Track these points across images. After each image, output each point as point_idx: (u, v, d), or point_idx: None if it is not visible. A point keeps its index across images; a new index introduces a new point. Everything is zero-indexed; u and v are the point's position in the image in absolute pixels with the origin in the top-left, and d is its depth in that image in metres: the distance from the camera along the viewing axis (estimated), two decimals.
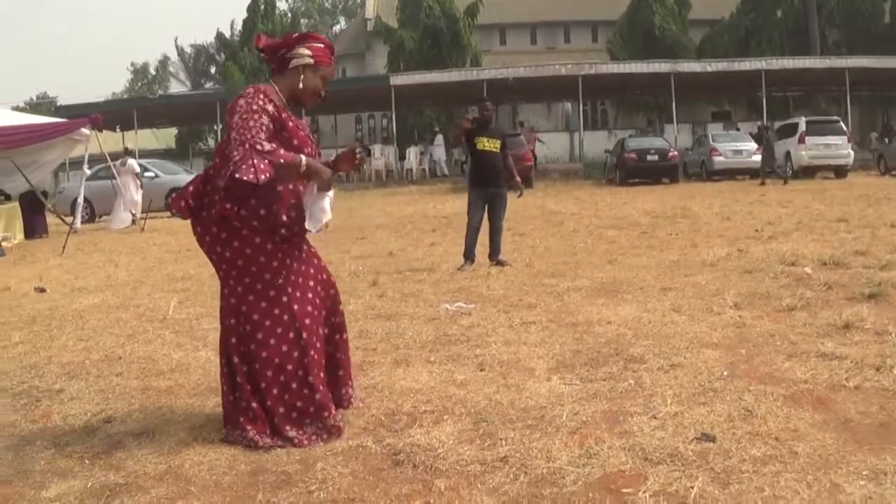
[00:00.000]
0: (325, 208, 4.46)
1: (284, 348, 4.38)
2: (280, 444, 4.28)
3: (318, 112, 47.77)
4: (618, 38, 52.96)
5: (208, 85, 72.75)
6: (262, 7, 56.53)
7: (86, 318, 8.51)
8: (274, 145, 4.20)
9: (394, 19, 51.52)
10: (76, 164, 27.15)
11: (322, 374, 4.54)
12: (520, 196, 11.42)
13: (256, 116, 4.18)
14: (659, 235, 13.63)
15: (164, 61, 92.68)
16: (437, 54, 48.52)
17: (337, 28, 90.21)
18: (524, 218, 17.52)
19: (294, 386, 4.39)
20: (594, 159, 38.68)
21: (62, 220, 21.86)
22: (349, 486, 3.73)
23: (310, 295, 4.54)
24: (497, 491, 3.59)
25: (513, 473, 3.75)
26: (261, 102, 4.23)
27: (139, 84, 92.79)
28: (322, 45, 4.55)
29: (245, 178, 4.03)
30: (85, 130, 20.60)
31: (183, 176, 26.06)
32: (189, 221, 4.48)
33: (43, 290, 10.68)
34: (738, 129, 37.46)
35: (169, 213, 23.43)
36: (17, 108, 40.08)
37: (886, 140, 33.40)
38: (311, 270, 4.62)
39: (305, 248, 4.63)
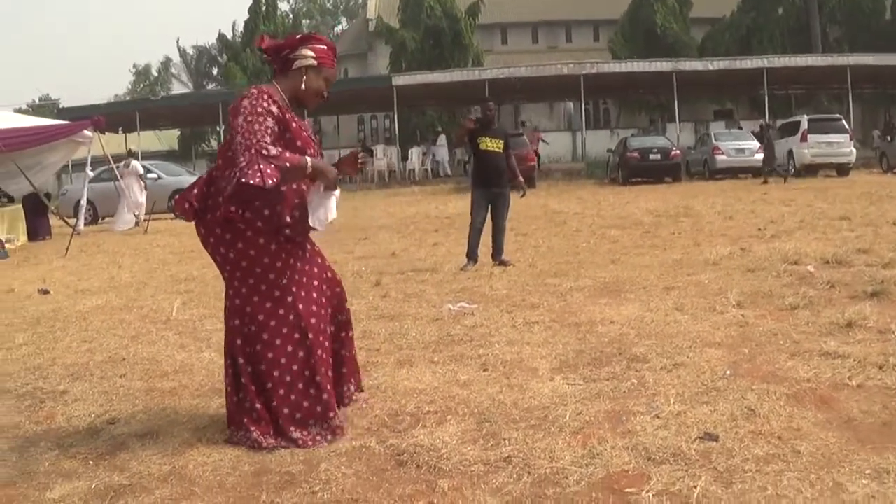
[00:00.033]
0: (332, 207, 4.48)
1: (290, 348, 4.39)
2: (284, 444, 4.29)
3: (321, 113, 47.77)
4: (619, 37, 53.01)
5: (210, 86, 72.73)
6: (264, 8, 56.64)
7: (89, 320, 8.52)
8: (280, 149, 4.20)
9: (395, 20, 51.55)
10: (79, 166, 27.17)
11: (330, 374, 4.56)
12: (523, 196, 11.41)
13: (261, 119, 4.18)
14: (662, 234, 13.62)
15: (166, 63, 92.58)
16: (438, 54, 48.55)
17: (338, 29, 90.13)
18: (527, 218, 17.53)
19: (300, 386, 4.40)
20: (597, 159, 38.71)
21: (65, 221, 21.90)
22: (353, 487, 3.73)
23: (315, 294, 4.55)
24: (500, 491, 3.60)
25: (516, 473, 3.76)
26: (265, 104, 4.23)
27: (141, 86, 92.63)
28: (325, 47, 4.55)
29: (252, 181, 4.04)
30: (87, 132, 20.65)
31: (186, 177, 26.08)
32: (193, 223, 4.49)
33: (46, 292, 10.70)
34: (740, 128, 37.42)
35: (172, 215, 23.47)
36: (19, 111, 40.25)
37: (888, 138, 33.31)
38: (316, 270, 4.63)
39: (309, 247, 4.64)
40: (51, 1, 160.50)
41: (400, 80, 40.85)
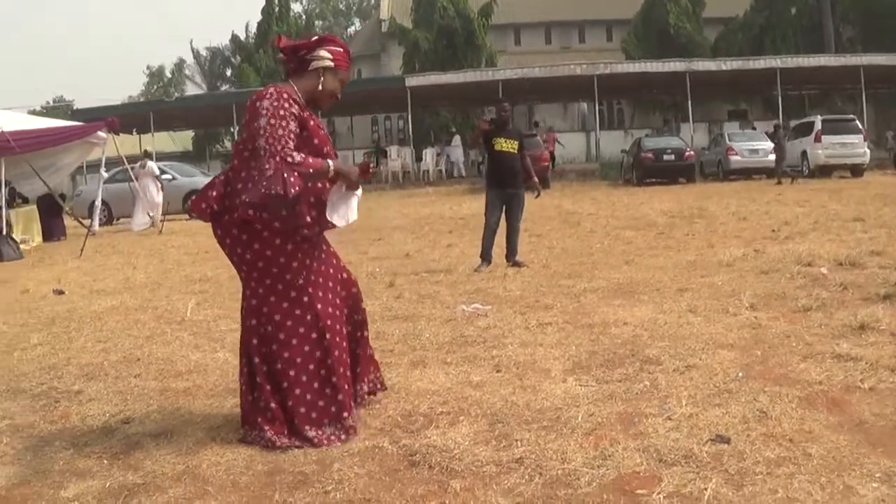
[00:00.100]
0: (353, 207, 4.52)
1: (306, 348, 4.41)
2: (298, 444, 4.31)
3: (335, 113, 47.80)
4: (632, 37, 53.01)
5: (224, 87, 72.84)
6: (277, 9, 56.85)
7: (104, 320, 8.57)
8: (303, 155, 4.23)
9: (408, 20, 51.61)
10: (93, 167, 27.28)
11: (348, 374, 4.58)
12: (537, 197, 11.40)
13: (284, 123, 4.21)
14: (676, 236, 13.62)
15: (180, 64, 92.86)
16: (452, 55, 48.55)
17: (351, 30, 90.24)
18: (541, 219, 17.53)
19: (316, 386, 4.42)
20: (611, 159, 38.65)
21: (80, 222, 21.98)
22: (365, 487, 3.75)
23: (330, 295, 4.57)
24: (512, 492, 3.61)
25: (528, 474, 3.77)
26: (286, 105, 4.25)
27: (155, 87, 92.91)
28: (341, 49, 4.59)
29: (277, 192, 4.08)
30: (102, 134, 20.71)
31: (200, 178, 26.18)
32: (209, 223, 4.52)
33: (61, 293, 10.76)
34: (754, 128, 37.31)
35: (187, 216, 23.54)
36: (33, 112, 40.36)
37: None
38: (331, 270, 4.65)
39: (324, 247, 4.67)
40: (62, 3, 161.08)
41: (413, 80, 40.86)
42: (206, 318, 8.33)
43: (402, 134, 52.40)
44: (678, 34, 50.70)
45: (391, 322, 7.55)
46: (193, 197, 4.58)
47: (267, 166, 4.11)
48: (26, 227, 20.11)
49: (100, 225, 22.56)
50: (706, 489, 3.47)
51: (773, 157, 29.34)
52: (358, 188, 4.53)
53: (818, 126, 30.30)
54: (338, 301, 4.62)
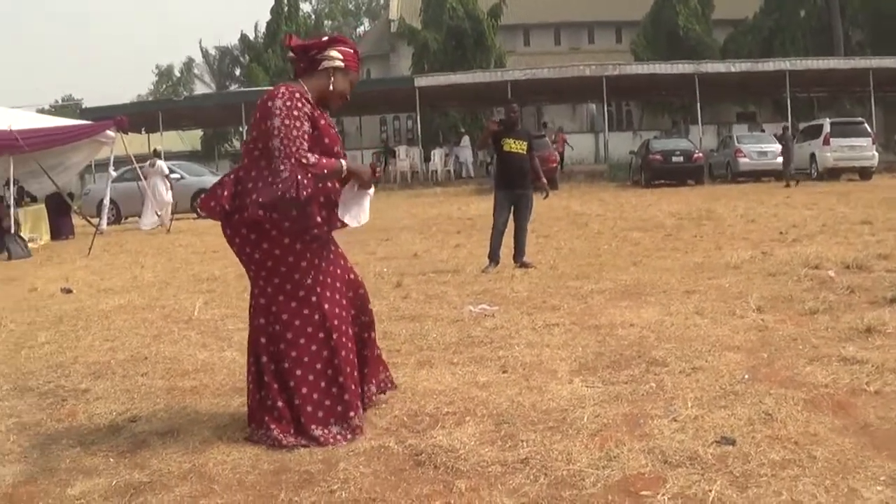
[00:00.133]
0: (365, 208, 4.55)
1: (314, 348, 4.42)
2: (304, 443, 4.32)
3: (344, 114, 47.81)
4: (641, 38, 52.94)
5: (233, 87, 72.98)
6: (286, 9, 56.90)
7: (112, 319, 8.59)
8: (317, 156, 4.26)
9: (417, 20, 51.55)
10: (102, 166, 27.31)
11: (355, 374, 4.59)
12: (545, 197, 11.43)
13: (298, 124, 4.23)
14: (683, 238, 13.60)
15: (189, 63, 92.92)
16: (461, 55, 48.51)
17: (360, 30, 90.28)
18: (549, 219, 17.54)
19: (323, 385, 4.43)
20: (619, 161, 38.63)
21: (88, 221, 22.03)
22: (371, 486, 3.76)
23: (338, 295, 4.58)
24: (517, 492, 3.61)
25: (533, 475, 3.77)
26: (300, 105, 4.27)
27: (164, 86, 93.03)
28: (351, 50, 4.62)
29: (291, 195, 4.11)
30: (110, 132, 20.75)
31: (208, 178, 26.21)
32: (217, 223, 4.53)
33: (69, 291, 10.78)
34: (762, 131, 37.25)
35: (195, 215, 23.57)
36: (42, 111, 40.50)
37: None
38: (339, 271, 4.66)
39: (333, 248, 4.68)
40: (71, 2, 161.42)
41: (422, 81, 40.82)
42: (213, 317, 8.35)
43: (411, 134, 52.34)
44: (687, 36, 50.63)
45: (398, 322, 7.56)
46: (203, 195, 4.59)
47: (282, 167, 4.14)
48: (34, 225, 20.17)
49: (108, 224, 22.59)
50: (711, 491, 3.47)
51: (781, 159, 29.30)
52: (370, 187, 4.55)
53: (827, 129, 30.24)
54: (345, 301, 4.63)
